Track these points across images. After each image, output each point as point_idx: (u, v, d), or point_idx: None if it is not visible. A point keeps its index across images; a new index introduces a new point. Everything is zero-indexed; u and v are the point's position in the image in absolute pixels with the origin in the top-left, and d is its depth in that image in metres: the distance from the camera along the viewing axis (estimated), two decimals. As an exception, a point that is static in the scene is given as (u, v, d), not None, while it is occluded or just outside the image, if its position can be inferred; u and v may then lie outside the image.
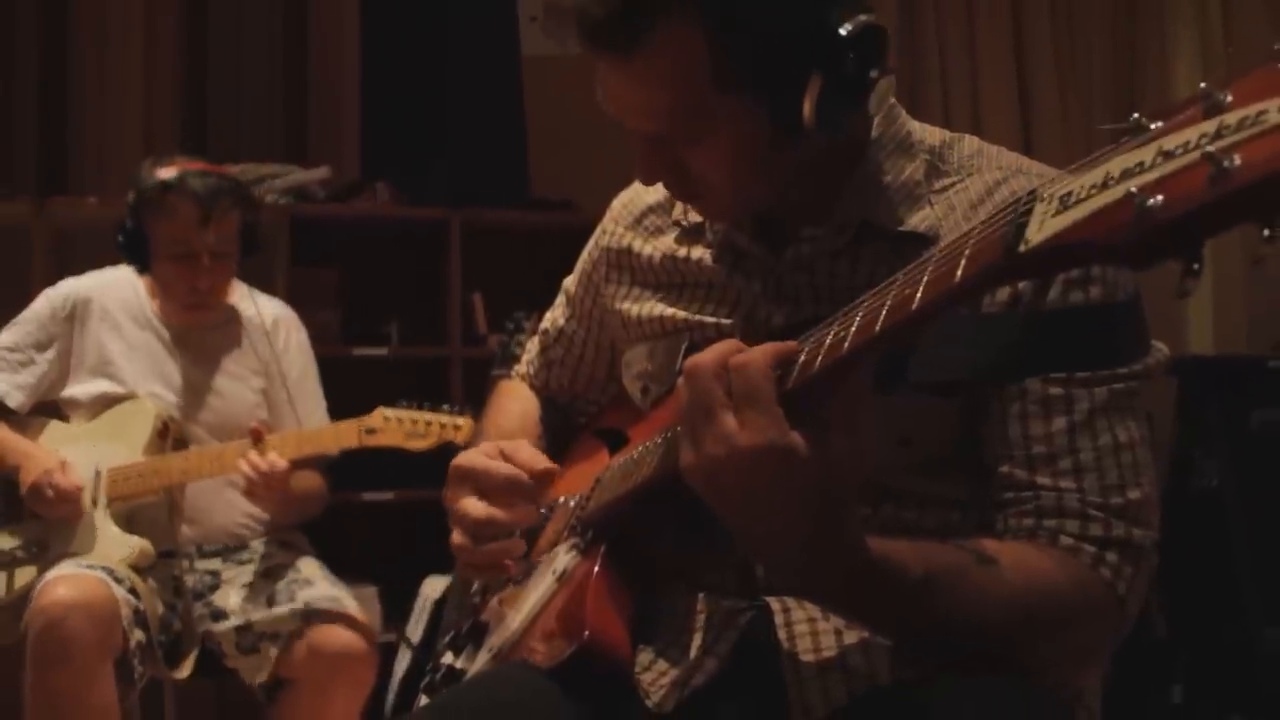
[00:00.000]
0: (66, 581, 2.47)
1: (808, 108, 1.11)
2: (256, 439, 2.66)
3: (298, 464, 2.81)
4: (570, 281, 1.57)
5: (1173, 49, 4.64)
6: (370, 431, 2.71)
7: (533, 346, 1.64)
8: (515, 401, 1.59)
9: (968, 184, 1.25)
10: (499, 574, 1.35)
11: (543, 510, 1.43)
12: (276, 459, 2.62)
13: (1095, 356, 1.05)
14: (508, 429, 1.53)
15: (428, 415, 2.73)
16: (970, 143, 1.30)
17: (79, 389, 2.82)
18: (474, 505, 1.28)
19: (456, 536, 1.30)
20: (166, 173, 2.73)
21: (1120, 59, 4.68)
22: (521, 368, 1.65)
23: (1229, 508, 3.65)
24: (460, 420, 2.73)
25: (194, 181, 2.71)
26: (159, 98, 4.20)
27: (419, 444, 2.72)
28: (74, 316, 2.85)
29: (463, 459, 1.32)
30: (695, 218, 1.35)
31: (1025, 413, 1.16)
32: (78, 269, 2.99)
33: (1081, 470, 1.14)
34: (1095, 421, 1.15)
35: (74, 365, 2.84)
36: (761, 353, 0.96)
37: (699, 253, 1.34)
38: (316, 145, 4.33)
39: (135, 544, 2.65)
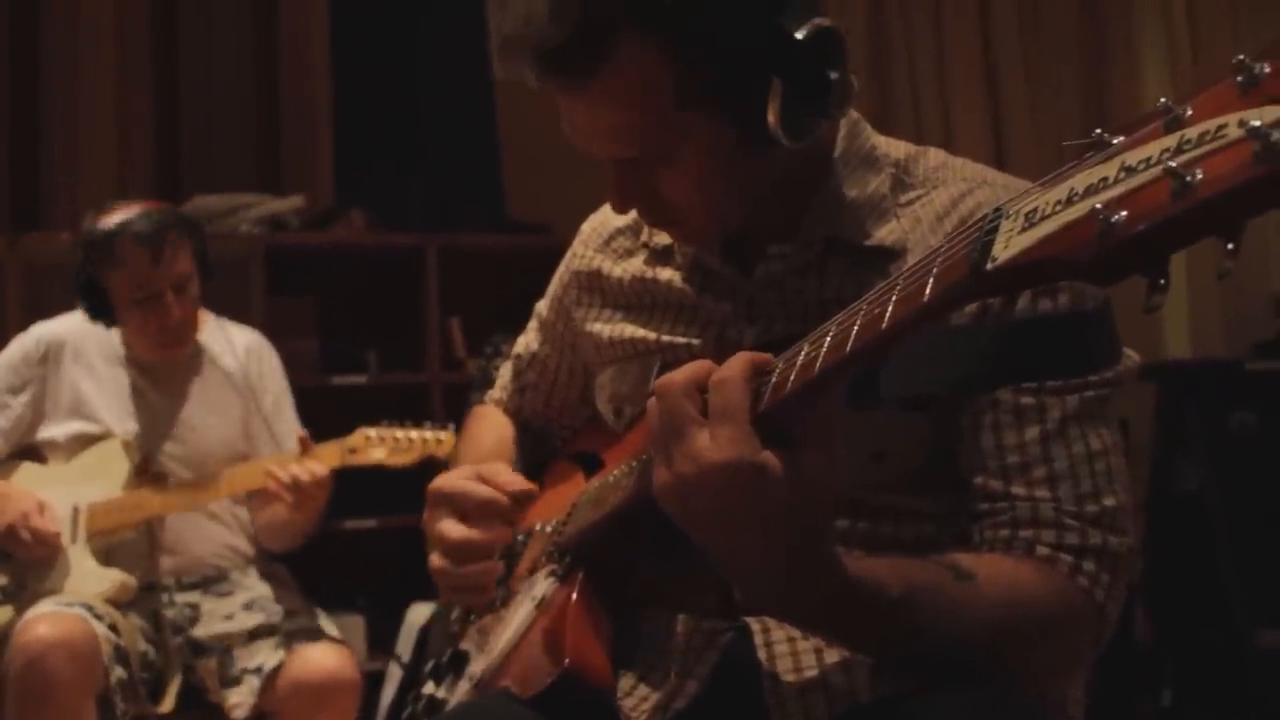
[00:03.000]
0: (46, 620, 2.45)
1: (772, 115, 1.11)
2: (305, 448, 2.67)
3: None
4: (542, 305, 1.56)
5: (1141, 54, 4.66)
6: (353, 451, 2.71)
7: (506, 371, 1.63)
8: (490, 426, 1.59)
9: (933, 196, 1.25)
10: (479, 597, 1.35)
11: (519, 537, 1.43)
12: (317, 466, 2.63)
13: (1066, 365, 1.05)
14: (483, 454, 1.52)
15: (410, 431, 2.73)
16: (935, 155, 1.30)
17: (56, 430, 2.81)
18: (451, 527, 1.28)
19: (434, 559, 1.31)
20: (107, 222, 2.67)
21: (1090, 67, 4.70)
22: (495, 393, 1.64)
23: (1210, 510, 3.66)
24: (443, 434, 2.73)
25: (136, 224, 2.65)
26: (131, 131, 4.19)
27: (402, 459, 2.72)
28: (47, 359, 2.83)
29: (440, 482, 1.33)
30: (663, 240, 1.35)
31: (998, 423, 1.16)
32: (51, 305, 2.98)
33: (1056, 479, 1.14)
34: (1068, 430, 1.15)
35: (49, 408, 2.83)
36: (740, 366, 0.96)
37: (668, 274, 1.34)
38: (290, 174, 4.33)
39: (115, 578, 2.63)
